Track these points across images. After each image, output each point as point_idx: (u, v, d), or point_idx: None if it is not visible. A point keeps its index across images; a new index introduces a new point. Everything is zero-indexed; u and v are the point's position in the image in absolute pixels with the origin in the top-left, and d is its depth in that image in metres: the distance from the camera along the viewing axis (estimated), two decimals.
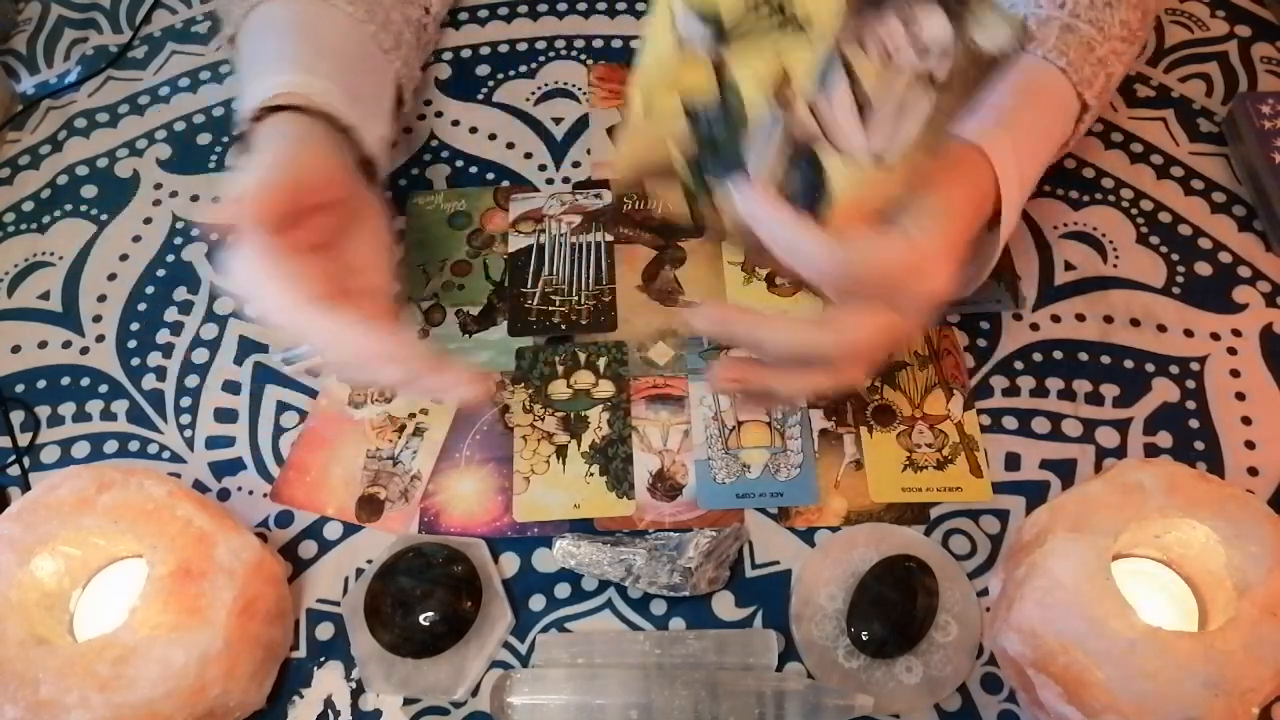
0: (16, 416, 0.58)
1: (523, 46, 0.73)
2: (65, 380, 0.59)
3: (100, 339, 0.61)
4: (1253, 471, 0.55)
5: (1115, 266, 0.62)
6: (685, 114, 0.42)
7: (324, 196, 0.48)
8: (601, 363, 0.59)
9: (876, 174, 0.41)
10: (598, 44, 0.73)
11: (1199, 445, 0.56)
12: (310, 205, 0.47)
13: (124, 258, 0.64)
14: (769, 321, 0.46)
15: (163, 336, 0.61)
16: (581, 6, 0.75)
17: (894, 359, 0.58)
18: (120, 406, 0.58)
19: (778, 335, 0.45)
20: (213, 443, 0.57)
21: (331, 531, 0.54)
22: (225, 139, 0.69)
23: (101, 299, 0.62)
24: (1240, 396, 0.57)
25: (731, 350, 0.57)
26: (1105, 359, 0.59)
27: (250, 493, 0.55)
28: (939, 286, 0.44)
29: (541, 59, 0.72)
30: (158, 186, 0.67)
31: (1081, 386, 0.58)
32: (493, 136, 0.68)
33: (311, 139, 0.50)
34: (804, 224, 0.42)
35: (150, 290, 0.62)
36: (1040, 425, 0.57)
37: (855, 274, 0.43)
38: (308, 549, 0.53)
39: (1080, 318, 0.60)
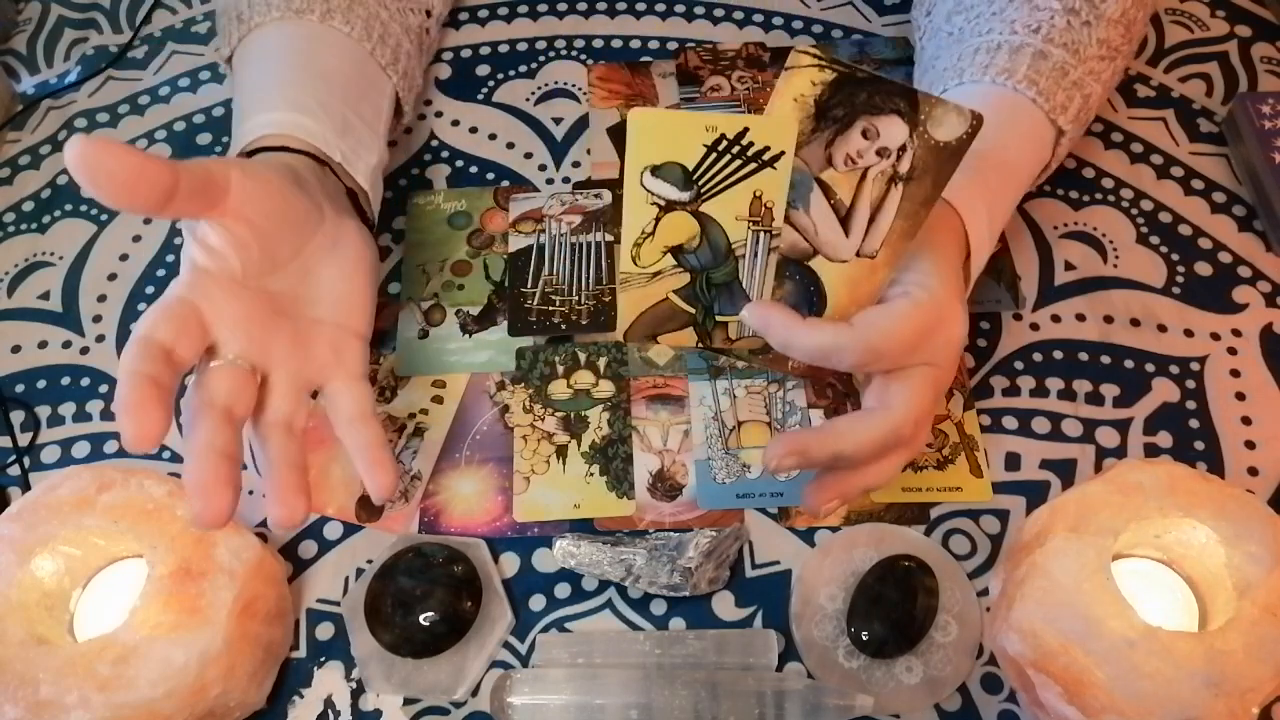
0: (16, 416, 0.58)
1: (523, 46, 0.73)
2: (65, 380, 0.59)
3: (100, 339, 0.61)
4: (1253, 471, 0.55)
5: (1115, 266, 0.62)
6: (676, 260, 0.45)
7: (282, 239, 0.46)
8: (601, 363, 0.59)
9: (863, 266, 0.45)
10: (598, 44, 0.73)
11: (1199, 445, 0.56)
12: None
13: (124, 258, 0.64)
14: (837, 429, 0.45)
15: None
16: (581, 6, 0.75)
17: None
18: None
19: (851, 435, 0.44)
20: None
21: (331, 531, 0.54)
22: (225, 139, 0.69)
23: (101, 299, 0.62)
24: (1240, 396, 0.57)
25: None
26: (1105, 359, 0.59)
27: (250, 493, 0.55)
28: (959, 332, 0.46)
29: (541, 59, 0.72)
30: None
31: (1081, 386, 0.58)
32: (493, 136, 0.68)
33: (286, 181, 0.48)
34: (812, 321, 0.44)
35: (150, 290, 0.62)
36: (1040, 425, 0.57)
37: (876, 348, 0.43)
38: (308, 549, 0.53)
39: (1080, 318, 0.60)
